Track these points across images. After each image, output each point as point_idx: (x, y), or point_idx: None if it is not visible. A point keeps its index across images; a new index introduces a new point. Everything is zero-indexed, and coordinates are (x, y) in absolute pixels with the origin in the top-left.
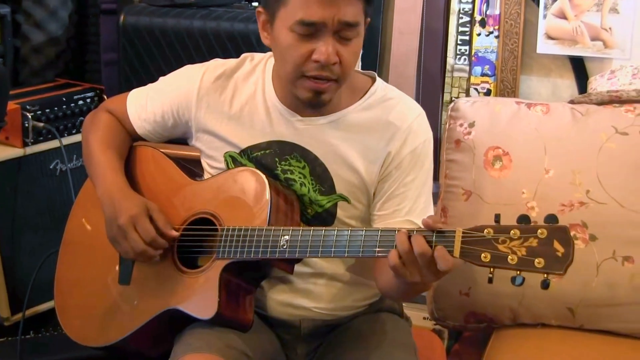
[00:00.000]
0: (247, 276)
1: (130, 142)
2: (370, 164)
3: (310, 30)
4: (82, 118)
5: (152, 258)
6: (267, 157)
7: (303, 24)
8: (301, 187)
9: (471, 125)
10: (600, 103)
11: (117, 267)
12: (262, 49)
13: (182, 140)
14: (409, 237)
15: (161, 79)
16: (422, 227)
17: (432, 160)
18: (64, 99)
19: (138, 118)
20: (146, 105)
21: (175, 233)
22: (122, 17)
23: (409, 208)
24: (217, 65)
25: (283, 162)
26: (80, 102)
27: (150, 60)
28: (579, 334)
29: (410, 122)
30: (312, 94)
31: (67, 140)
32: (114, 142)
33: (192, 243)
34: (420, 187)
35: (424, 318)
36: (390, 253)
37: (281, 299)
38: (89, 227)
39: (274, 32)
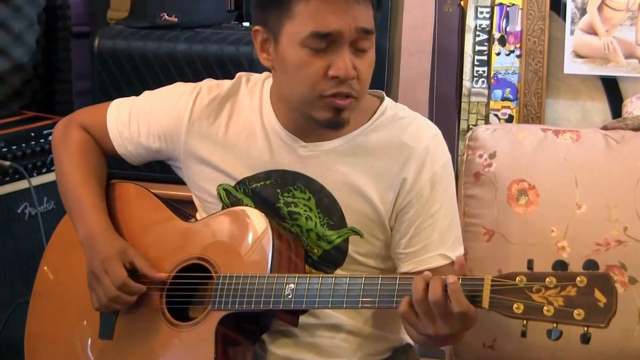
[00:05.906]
0: (246, 329)
1: (106, 165)
2: (384, 191)
3: (325, 43)
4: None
5: (126, 305)
6: (268, 189)
7: (318, 36)
8: (307, 221)
9: (492, 156)
10: (637, 129)
11: (97, 320)
12: (255, 72)
13: (171, 177)
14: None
15: (146, 94)
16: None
17: (454, 183)
18: (32, 134)
19: (119, 136)
20: (129, 123)
21: (162, 275)
22: (96, 41)
23: (440, 241)
24: (212, 86)
25: (286, 194)
26: (51, 137)
27: (129, 89)
28: None
29: (426, 144)
30: (332, 113)
31: (37, 180)
32: (93, 170)
33: (183, 292)
34: (449, 216)
35: None
36: (403, 300)
37: (283, 354)
38: (63, 274)
39: (279, 51)
